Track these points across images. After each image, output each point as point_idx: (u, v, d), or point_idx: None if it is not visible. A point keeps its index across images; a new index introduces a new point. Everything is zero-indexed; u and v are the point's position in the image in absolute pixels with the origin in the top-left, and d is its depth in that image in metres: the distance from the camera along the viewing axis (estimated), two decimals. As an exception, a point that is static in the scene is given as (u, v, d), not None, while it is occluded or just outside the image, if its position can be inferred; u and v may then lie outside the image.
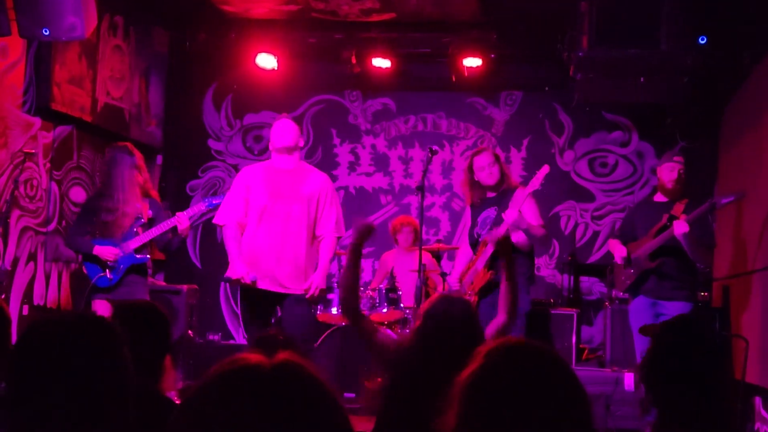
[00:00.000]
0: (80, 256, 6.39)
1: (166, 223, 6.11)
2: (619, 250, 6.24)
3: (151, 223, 6.16)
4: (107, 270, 6.07)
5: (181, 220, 6.08)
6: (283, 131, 5.82)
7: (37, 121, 7.15)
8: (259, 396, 1.10)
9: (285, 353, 1.17)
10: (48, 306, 7.30)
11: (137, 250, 6.12)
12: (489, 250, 5.85)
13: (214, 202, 6.28)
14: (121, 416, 1.87)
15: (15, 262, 6.92)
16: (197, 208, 6.38)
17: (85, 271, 6.24)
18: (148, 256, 6.21)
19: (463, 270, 6.23)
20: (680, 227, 5.81)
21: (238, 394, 1.11)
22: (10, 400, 1.85)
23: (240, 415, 1.08)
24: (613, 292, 7.32)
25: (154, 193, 6.49)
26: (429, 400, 2.66)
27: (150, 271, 6.42)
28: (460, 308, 3.16)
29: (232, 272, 5.65)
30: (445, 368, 3.05)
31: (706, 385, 2.41)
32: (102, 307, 6.01)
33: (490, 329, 3.61)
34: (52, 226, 7.35)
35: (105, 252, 6.05)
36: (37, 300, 7.20)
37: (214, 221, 6.00)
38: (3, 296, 6.63)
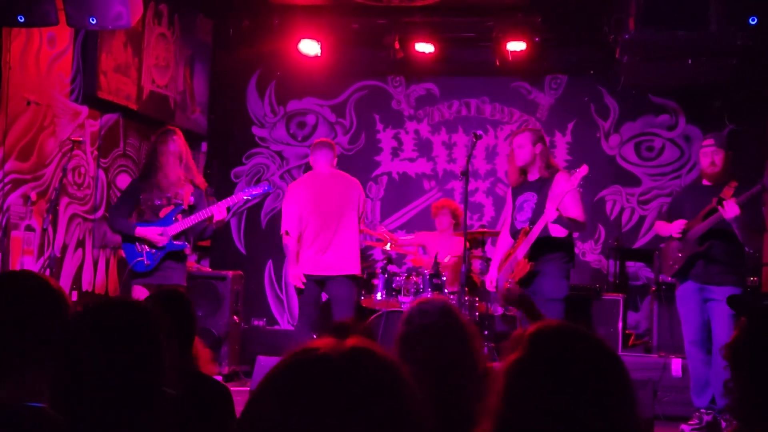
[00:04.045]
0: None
1: (204, 212, 6.07)
2: (674, 225, 6.07)
3: (191, 210, 6.13)
4: (144, 255, 6.09)
5: (220, 210, 6.04)
6: None
7: (84, 110, 7.24)
8: (332, 381, 1.10)
9: (355, 338, 1.17)
10: (96, 292, 7.41)
11: (175, 237, 6.09)
12: (530, 239, 5.80)
13: (253, 192, 6.29)
14: (159, 397, 1.89)
15: (64, 248, 7.04)
16: (236, 198, 6.31)
17: (122, 253, 6.28)
18: (186, 243, 6.16)
19: (501, 258, 6.18)
20: (731, 210, 5.69)
21: (310, 380, 1.10)
22: (62, 383, 1.88)
23: (313, 401, 1.08)
24: (660, 277, 7.23)
25: (199, 180, 6.37)
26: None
27: (188, 256, 6.39)
28: (436, 306, 2.97)
29: None
30: (428, 366, 2.90)
31: None
32: (140, 292, 5.98)
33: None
34: (100, 213, 7.45)
35: (148, 233, 6.02)
36: (86, 286, 7.31)
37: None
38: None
